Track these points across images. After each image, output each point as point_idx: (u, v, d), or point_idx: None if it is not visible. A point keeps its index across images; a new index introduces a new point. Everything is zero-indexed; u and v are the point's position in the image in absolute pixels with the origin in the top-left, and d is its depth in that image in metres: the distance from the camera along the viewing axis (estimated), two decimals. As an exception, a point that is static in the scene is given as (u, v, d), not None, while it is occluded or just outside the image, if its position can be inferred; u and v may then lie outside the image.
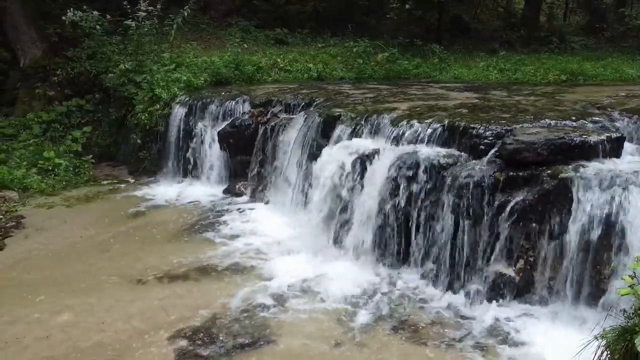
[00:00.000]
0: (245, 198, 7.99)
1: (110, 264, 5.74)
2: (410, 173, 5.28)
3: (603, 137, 4.90)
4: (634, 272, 3.05)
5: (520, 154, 4.79)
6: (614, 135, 4.94)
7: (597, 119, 5.58)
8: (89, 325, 4.53)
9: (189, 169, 8.92)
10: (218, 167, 8.63)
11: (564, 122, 5.37)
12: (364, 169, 5.66)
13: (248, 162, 8.22)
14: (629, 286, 3.14)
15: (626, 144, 5.12)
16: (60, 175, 8.76)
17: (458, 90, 8.29)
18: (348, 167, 5.67)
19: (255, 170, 8.06)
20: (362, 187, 5.63)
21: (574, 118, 5.49)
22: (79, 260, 5.84)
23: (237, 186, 8.25)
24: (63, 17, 9.32)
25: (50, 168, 8.91)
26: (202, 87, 9.50)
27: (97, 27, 9.37)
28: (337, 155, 5.81)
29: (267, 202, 7.65)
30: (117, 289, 5.19)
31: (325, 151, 6.06)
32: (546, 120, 5.42)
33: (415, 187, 5.27)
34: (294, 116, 7.74)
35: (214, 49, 12.60)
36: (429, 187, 5.20)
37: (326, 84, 9.76)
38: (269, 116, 8.07)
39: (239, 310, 4.76)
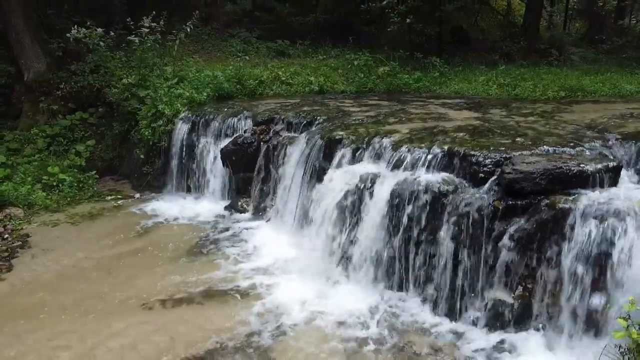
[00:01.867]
0: (247, 215, 8.09)
1: (115, 286, 5.83)
2: (411, 199, 5.37)
3: (600, 166, 4.98)
4: (628, 314, 3.15)
5: (519, 184, 4.88)
6: (610, 164, 5.02)
7: (595, 144, 5.66)
8: (95, 353, 4.62)
9: (192, 185, 9.04)
10: (221, 183, 8.73)
11: (562, 149, 5.46)
12: (365, 195, 5.74)
13: (250, 178, 8.31)
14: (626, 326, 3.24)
15: (623, 172, 5.20)
16: (65, 191, 8.87)
17: (458, 108, 8.38)
18: (349, 193, 5.76)
19: (258, 187, 8.16)
20: (364, 212, 5.72)
21: (571, 144, 5.58)
22: (84, 283, 5.93)
23: (239, 203, 8.35)
24: (67, 34, 9.41)
25: (55, 184, 9.02)
26: (205, 102, 9.59)
27: (101, 43, 9.46)
28: (339, 180, 5.91)
29: (269, 220, 7.75)
30: (122, 313, 5.29)
31: (327, 175, 6.15)
32: (544, 146, 5.50)
33: (415, 214, 5.36)
34: (295, 135, 7.83)
35: (216, 61, 12.73)
36: (429, 213, 5.29)
37: (327, 99, 9.86)
38: (271, 134, 8.17)
39: (243, 337, 4.86)
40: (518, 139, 5.91)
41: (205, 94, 9.68)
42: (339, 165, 6.18)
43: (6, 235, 7.35)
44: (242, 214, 8.15)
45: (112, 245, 6.97)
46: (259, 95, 10.63)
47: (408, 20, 11.10)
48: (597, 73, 11.02)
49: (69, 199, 8.71)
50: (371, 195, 5.71)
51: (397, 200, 5.45)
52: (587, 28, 16.71)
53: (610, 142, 5.83)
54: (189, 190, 9.09)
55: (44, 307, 5.41)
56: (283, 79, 11.29)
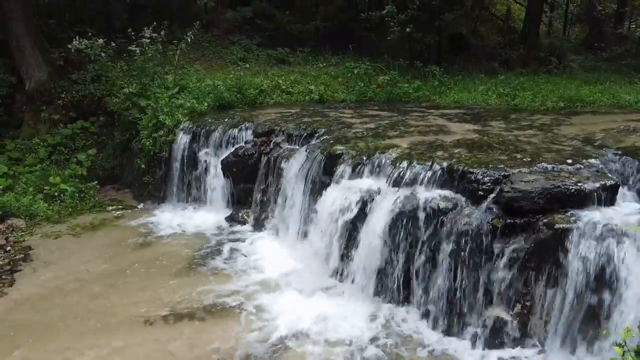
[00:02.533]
0: (248, 226, 8.13)
1: (117, 302, 5.88)
2: (411, 216, 5.41)
3: (598, 184, 5.03)
4: (624, 342, 3.18)
5: (518, 203, 4.92)
6: (608, 183, 5.06)
7: (593, 161, 5.70)
8: (98, 371, 4.67)
9: (192, 195, 9.08)
10: (221, 193, 8.77)
11: (561, 166, 5.50)
12: (365, 211, 5.79)
13: (251, 190, 8.35)
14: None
15: (621, 189, 5.24)
16: (66, 201, 8.91)
17: (458, 119, 8.42)
18: (350, 208, 5.81)
19: (258, 198, 8.19)
20: (364, 228, 5.76)
21: (569, 161, 5.62)
22: (86, 298, 5.97)
23: (240, 214, 8.39)
24: (69, 45, 9.46)
25: (56, 194, 9.06)
26: (206, 112, 9.63)
27: (102, 54, 9.50)
28: (339, 196, 5.95)
29: (269, 232, 7.79)
30: (125, 330, 5.33)
31: (328, 191, 6.19)
32: (543, 163, 5.54)
33: (415, 230, 5.41)
34: (296, 147, 7.88)
35: (217, 69, 12.77)
36: (428, 231, 5.33)
37: (327, 109, 9.90)
38: (271, 146, 8.21)
39: (244, 355, 4.90)
40: (517, 154, 5.95)
41: (205, 104, 9.71)
42: (340, 180, 6.22)
43: (8, 248, 7.39)
44: (243, 225, 8.20)
45: (113, 259, 7.00)
46: (259, 104, 10.67)
47: (408, 30, 11.14)
48: (596, 82, 11.05)
49: (70, 210, 8.75)
50: (371, 211, 5.75)
51: (397, 217, 5.49)
52: (587, 34, 16.74)
53: (608, 158, 5.86)
54: (189, 200, 9.12)
55: (45, 323, 5.45)
56: (283, 87, 11.33)
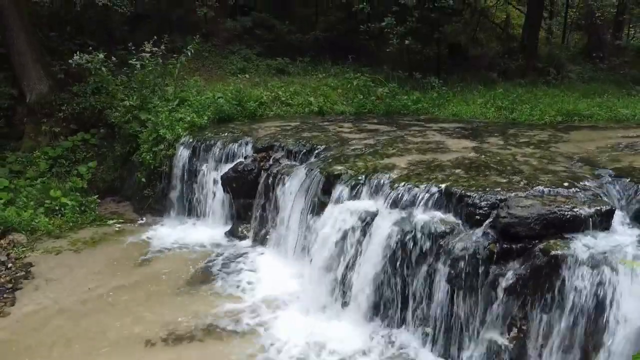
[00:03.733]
0: (247, 242, 8.19)
1: (117, 322, 5.93)
2: (408, 239, 5.47)
3: (593, 210, 5.08)
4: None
5: (514, 228, 4.98)
6: (604, 208, 5.11)
7: (588, 184, 5.75)
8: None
9: (193, 209, 9.14)
10: (221, 208, 8.82)
11: (557, 189, 5.55)
12: (363, 232, 5.85)
13: (251, 205, 8.40)
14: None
15: (616, 214, 5.30)
16: (67, 215, 8.96)
17: (456, 135, 8.47)
18: (348, 230, 5.87)
19: (258, 214, 8.25)
20: (362, 250, 5.82)
21: (566, 184, 5.67)
22: (86, 318, 6.03)
23: (239, 229, 8.45)
24: (70, 60, 9.52)
25: (57, 208, 9.11)
26: (206, 126, 9.69)
27: (103, 68, 9.56)
28: (338, 217, 6.01)
29: (269, 248, 7.84)
30: (125, 352, 5.38)
31: (327, 212, 6.25)
32: (539, 187, 5.60)
33: (412, 253, 5.46)
34: (295, 163, 7.95)
35: (217, 79, 12.84)
36: (426, 254, 5.39)
37: (327, 122, 9.97)
38: (271, 162, 8.27)
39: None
40: (514, 176, 6.00)
41: (205, 117, 9.78)
42: (338, 201, 6.28)
43: (10, 264, 7.45)
44: (242, 241, 8.26)
45: (114, 276, 7.06)
46: (259, 116, 10.75)
47: (407, 42, 11.21)
48: (594, 93, 11.12)
49: (71, 224, 8.81)
50: (369, 234, 5.81)
51: (395, 239, 5.55)
52: (586, 42, 16.80)
53: (604, 181, 5.92)
54: (190, 214, 9.19)
55: (47, 344, 5.51)
56: (283, 99, 11.41)
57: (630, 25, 19.64)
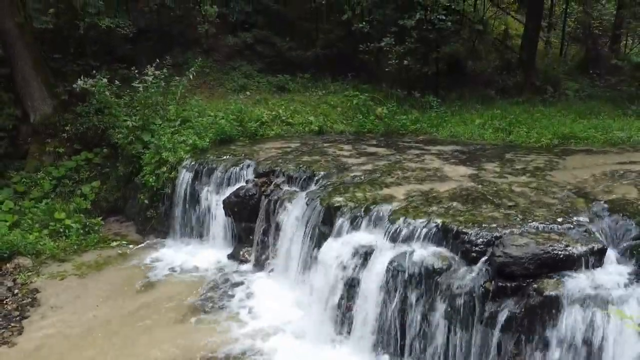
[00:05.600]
0: (249, 266, 8.34)
1: (121, 352, 6.08)
2: (406, 275, 5.63)
3: (586, 248, 5.23)
4: None
5: (509, 268, 5.13)
6: (596, 246, 5.27)
7: (582, 219, 5.90)
8: None
9: (195, 231, 9.30)
10: (223, 231, 8.98)
11: (551, 225, 5.70)
12: (363, 266, 6.01)
13: (252, 228, 8.55)
14: None
15: (609, 251, 5.44)
16: (72, 238, 9.11)
17: (454, 160, 8.61)
18: (349, 264, 6.03)
19: (259, 238, 8.39)
20: (362, 283, 5.97)
21: (559, 220, 5.82)
22: (92, 348, 6.17)
23: (241, 252, 8.60)
24: (74, 85, 9.67)
25: (62, 230, 9.26)
26: (207, 148, 9.83)
27: (107, 92, 9.72)
28: (338, 251, 6.17)
29: (270, 271, 7.99)
30: (131, 385, 5.54)
31: (327, 245, 6.40)
32: (534, 223, 5.75)
33: (410, 288, 5.62)
34: (296, 189, 8.10)
35: (218, 97, 12.99)
36: (424, 290, 5.55)
37: (326, 143, 10.10)
38: (272, 187, 8.42)
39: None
40: (509, 211, 6.15)
41: (207, 139, 9.93)
42: (338, 234, 6.43)
43: (16, 291, 7.60)
44: (244, 264, 8.41)
45: (118, 303, 7.21)
46: (260, 136, 10.90)
47: (405, 62, 11.37)
48: (590, 113, 11.28)
49: (75, 247, 8.95)
50: (369, 267, 5.96)
51: (394, 274, 5.70)
52: (584, 55, 16.95)
53: (597, 215, 6.07)
54: (192, 235, 9.35)
55: (55, 377, 5.66)
56: (283, 118, 11.56)
57: (628, 35, 19.79)
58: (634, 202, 6.34)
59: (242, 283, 7.77)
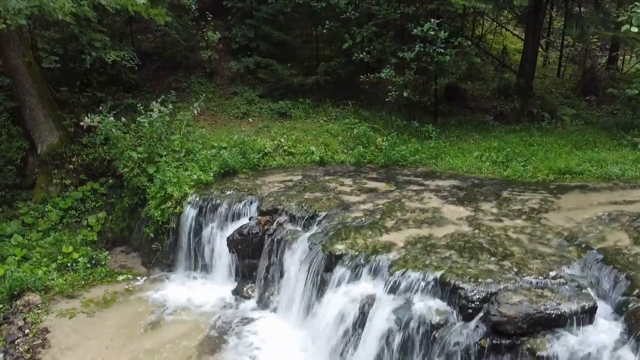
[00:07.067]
0: (252, 303, 8.57)
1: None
2: (405, 328, 5.88)
3: (577, 307, 5.49)
4: None
5: (503, 326, 5.39)
6: (587, 305, 5.51)
7: (574, 272, 6.16)
8: None
9: (200, 266, 9.54)
10: (227, 266, 9.21)
11: (544, 280, 5.95)
12: (363, 317, 6.26)
13: (256, 265, 8.80)
14: None
15: (600, 306, 5.69)
16: (79, 272, 9.35)
17: (452, 199, 8.82)
18: (350, 317, 6.29)
19: (263, 275, 8.64)
20: (363, 332, 6.22)
21: (552, 274, 6.06)
22: (104, 395, 6.42)
23: (245, 288, 8.84)
24: (81, 123, 9.92)
25: (69, 264, 9.50)
26: (212, 182, 10.06)
27: (113, 130, 9.95)
28: (339, 302, 6.42)
29: (274, 310, 8.23)
30: None
31: (329, 296, 6.66)
32: (528, 277, 5.99)
33: (409, 341, 5.87)
34: (298, 229, 8.35)
35: (221, 124, 13.20)
36: (422, 343, 5.79)
37: (328, 176, 10.32)
38: (274, 226, 8.65)
39: None
40: (504, 262, 6.40)
41: (211, 173, 10.15)
42: (340, 283, 6.68)
43: (27, 330, 7.83)
44: (248, 301, 8.65)
45: (127, 345, 7.45)
46: (262, 167, 11.13)
47: (405, 94, 11.61)
48: (586, 144, 11.50)
49: (83, 282, 9.18)
50: (369, 318, 6.22)
51: (393, 327, 5.96)
52: (580, 78, 17.21)
53: (588, 266, 6.32)
54: (196, 269, 9.59)
55: None
56: (285, 147, 11.79)
57: (625, 54, 20.03)
58: (625, 251, 6.61)
59: (246, 326, 7.96)
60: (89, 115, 9.83)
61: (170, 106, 10.49)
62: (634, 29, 7.97)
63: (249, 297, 8.72)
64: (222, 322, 8.08)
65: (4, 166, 10.90)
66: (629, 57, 21.17)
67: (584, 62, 17.71)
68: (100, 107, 10.45)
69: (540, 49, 17.26)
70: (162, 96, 10.61)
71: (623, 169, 9.90)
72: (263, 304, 8.43)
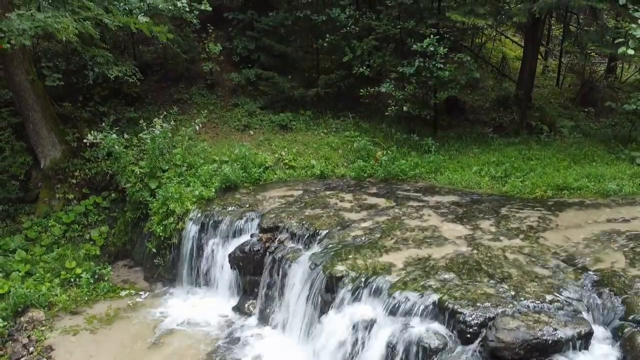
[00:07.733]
0: (254, 319, 8.68)
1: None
2: (405, 352, 5.98)
3: (574, 332, 5.59)
4: None
5: (501, 352, 5.49)
6: (583, 331, 5.62)
7: (571, 295, 6.25)
8: None
9: (201, 282, 9.65)
10: (228, 282, 9.33)
11: (541, 304, 6.05)
12: (363, 339, 6.37)
13: (257, 282, 8.89)
14: None
15: (596, 330, 5.79)
16: (82, 288, 9.45)
17: (451, 215, 8.93)
18: (349, 339, 6.38)
19: (264, 292, 8.73)
20: (363, 354, 6.33)
21: (549, 298, 6.17)
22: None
23: (246, 304, 8.95)
24: (84, 140, 10.03)
25: (72, 280, 9.60)
26: (213, 197, 10.17)
27: (116, 147, 10.06)
28: (340, 328, 6.52)
29: (275, 327, 8.34)
30: None
31: (329, 318, 6.77)
32: (525, 301, 6.09)
33: (409, 365, 5.97)
34: (299, 247, 8.46)
35: (222, 137, 13.32)
36: (421, 367, 5.90)
37: (328, 191, 10.43)
38: (276, 244, 8.76)
39: None
40: (503, 285, 6.49)
41: (213, 189, 10.26)
42: (340, 305, 6.78)
43: (31, 348, 7.94)
44: (249, 317, 8.76)
45: (130, 363, 7.57)
46: (263, 181, 11.25)
47: (405, 109, 11.72)
48: (584, 158, 11.60)
49: (86, 298, 9.28)
50: (369, 339, 6.32)
51: (393, 350, 6.06)
52: (579, 88, 17.32)
53: (585, 289, 6.42)
54: (198, 284, 9.70)
55: None
56: (286, 161, 11.91)
57: (622, 63, 20.14)
58: (622, 274, 6.71)
59: (247, 345, 8.03)
60: (91, 132, 9.94)
61: (172, 122, 10.58)
62: (631, 52, 8.08)
63: (250, 314, 8.82)
64: (224, 338, 8.19)
65: (8, 181, 11.00)
66: (627, 65, 21.35)
67: (582, 72, 17.84)
68: (103, 123, 10.55)
69: (539, 57, 17.45)
70: (165, 112, 10.67)
71: (621, 184, 9.99)
72: (264, 320, 8.54)
